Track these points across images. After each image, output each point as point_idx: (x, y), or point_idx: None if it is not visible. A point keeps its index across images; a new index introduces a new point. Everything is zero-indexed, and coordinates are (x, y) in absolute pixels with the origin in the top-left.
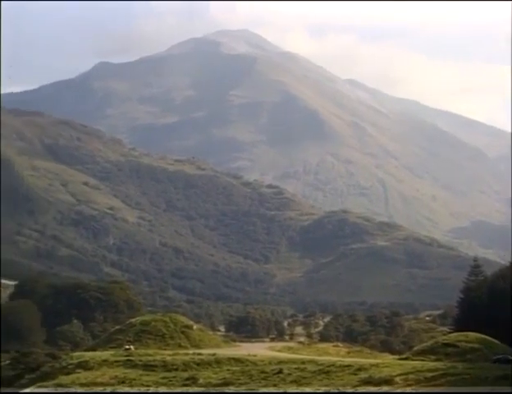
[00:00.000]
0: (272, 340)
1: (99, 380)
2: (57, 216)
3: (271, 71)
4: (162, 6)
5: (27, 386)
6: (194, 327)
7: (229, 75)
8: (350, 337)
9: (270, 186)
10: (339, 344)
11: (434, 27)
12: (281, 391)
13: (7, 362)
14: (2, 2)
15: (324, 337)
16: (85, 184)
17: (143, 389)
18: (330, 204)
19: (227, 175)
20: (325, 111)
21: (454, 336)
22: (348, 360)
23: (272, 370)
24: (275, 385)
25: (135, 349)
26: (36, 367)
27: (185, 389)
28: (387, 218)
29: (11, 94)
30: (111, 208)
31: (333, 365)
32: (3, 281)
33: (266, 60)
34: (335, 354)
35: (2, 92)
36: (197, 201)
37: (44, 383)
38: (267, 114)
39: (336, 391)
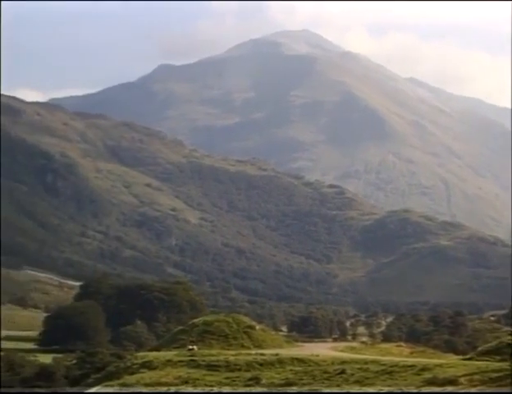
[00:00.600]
0: (335, 340)
1: (163, 380)
2: (120, 217)
3: (331, 70)
4: (220, 8)
5: (93, 385)
6: (257, 327)
7: (289, 75)
8: (413, 337)
9: (331, 186)
10: (402, 344)
11: (497, 25)
12: (344, 391)
13: (74, 362)
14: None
15: (387, 337)
16: (148, 185)
17: (207, 389)
18: (391, 204)
19: (288, 175)
20: (386, 110)
21: None
22: (411, 360)
23: (335, 370)
24: (338, 385)
25: (199, 349)
26: (102, 367)
27: (247, 389)
28: (450, 217)
29: (74, 97)
30: (173, 209)
31: (396, 365)
32: (69, 281)
33: (326, 60)
34: (398, 354)
35: (65, 95)
36: (258, 202)
37: (110, 383)
38: (328, 114)
39: (400, 391)
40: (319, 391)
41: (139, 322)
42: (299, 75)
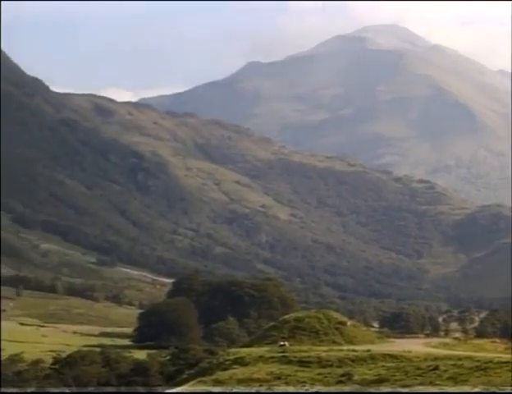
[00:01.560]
0: (427, 336)
1: (255, 376)
2: (210, 214)
3: (419, 64)
4: (305, 5)
5: (187, 381)
6: (348, 323)
7: (376, 70)
8: (508, 333)
9: (421, 181)
10: (496, 340)
11: None
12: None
13: (168, 358)
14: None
15: (480, 333)
16: (237, 182)
17: (298, 385)
18: (483, 198)
19: (377, 170)
20: (476, 103)
21: None
22: (506, 357)
23: (428, 366)
24: (431, 382)
25: (290, 345)
26: (195, 363)
27: (340, 386)
28: None
29: (163, 97)
30: (263, 206)
31: (491, 362)
32: (161, 279)
33: (414, 54)
34: (492, 350)
35: (155, 95)
36: (347, 197)
37: (203, 379)
38: (417, 109)
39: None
40: (412, 390)
41: (230, 318)
42: (386, 70)
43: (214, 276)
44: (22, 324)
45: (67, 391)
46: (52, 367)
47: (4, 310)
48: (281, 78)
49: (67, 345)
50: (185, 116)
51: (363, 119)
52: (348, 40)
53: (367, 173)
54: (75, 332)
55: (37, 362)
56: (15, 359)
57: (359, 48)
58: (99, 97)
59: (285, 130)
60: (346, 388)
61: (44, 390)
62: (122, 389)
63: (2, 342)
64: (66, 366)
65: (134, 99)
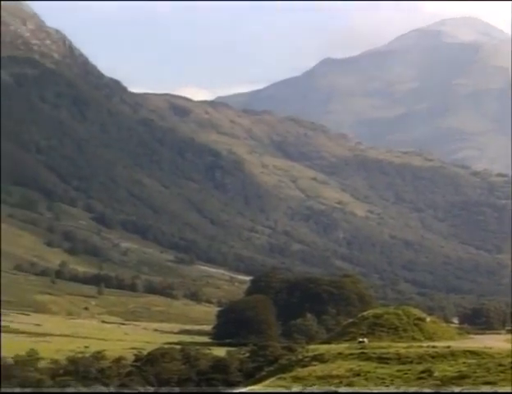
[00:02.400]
0: (509, 332)
1: (335, 373)
2: (287, 212)
3: (496, 57)
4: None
5: (266, 378)
6: (428, 319)
7: (453, 64)
8: None
9: (500, 175)
10: None
11: None
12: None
13: (247, 355)
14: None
15: None
16: (314, 179)
17: (378, 382)
18: None
19: (454, 165)
20: None
21: None
22: None
23: (510, 363)
24: None
25: (369, 342)
26: (274, 359)
27: (420, 382)
28: None
29: (239, 95)
30: (339, 203)
31: None
32: (239, 276)
33: (491, 46)
34: None
35: (231, 93)
36: (425, 193)
37: (283, 375)
38: (495, 102)
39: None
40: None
41: (308, 315)
42: (463, 63)
43: (292, 273)
44: (104, 322)
45: (150, 389)
46: (134, 364)
47: (87, 308)
48: (356, 74)
49: (148, 342)
50: (262, 113)
51: (439, 113)
52: (424, 34)
53: (444, 168)
54: (155, 330)
55: (119, 359)
56: (98, 356)
57: (435, 41)
58: (176, 96)
59: (361, 126)
60: (426, 385)
61: (125, 387)
62: (203, 386)
63: (86, 340)
64: (147, 363)
65: (210, 98)
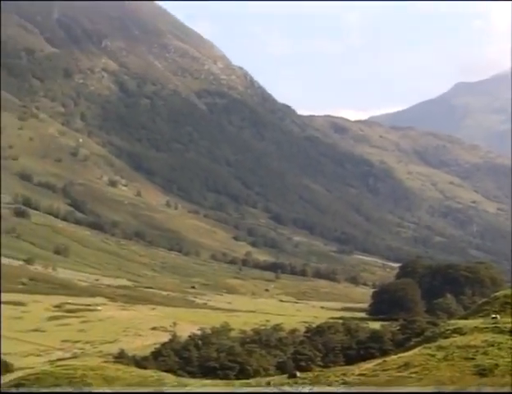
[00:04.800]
0: None
1: (472, 343)
2: (429, 210)
3: None
4: (501, 32)
5: (414, 347)
6: None
7: None
8: None
9: None
10: None
11: None
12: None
13: (397, 328)
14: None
15: None
16: (451, 183)
17: (509, 351)
18: None
19: None
20: None
21: None
22: None
23: None
24: None
25: (501, 318)
26: (420, 332)
27: None
28: None
29: (387, 114)
30: (473, 202)
31: None
32: (390, 263)
33: None
34: None
35: (381, 113)
36: None
37: (428, 345)
38: None
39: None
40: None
41: (448, 295)
42: None
43: (434, 260)
44: (281, 301)
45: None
46: (305, 335)
47: (267, 290)
48: (485, 94)
49: (316, 317)
50: (406, 129)
51: None
52: None
53: None
54: (321, 307)
55: (293, 331)
56: (276, 328)
57: None
58: (336, 117)
59: (491, 138)
60: None
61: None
62: (362, 353)
63: (267, 315)
64: (316, 334)
65: (364, 117)
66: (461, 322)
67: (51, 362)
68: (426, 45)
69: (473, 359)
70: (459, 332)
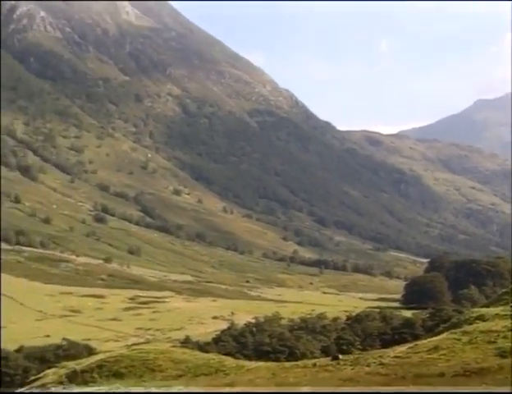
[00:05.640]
0: None
1: (494, 328)
2: (453, 211)
3: None
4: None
5: (442, 332)
6: None
7: None
8: None
9: None
10: None
11: None
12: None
13: (427, 315)
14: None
15: None
16: (472, 188)
17: None
18: None
19: None
20: None
21: None
22: None
23: None
24: None
25: None
26: (447, 319)
27: None
28: None
29: (415, 129)
30: (492, 204)
31: None
32: (419, 259)
33: None
34: None
35: (409, 127)
36: None
37: (454, 331)
38: None
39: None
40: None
41: (472, 286)
42: None
43: (458, 256)
44: (324, 293)
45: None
46: (346, 322)
47: (312, 283)
48: (503, 109)
49: (355, 307)
50: (432, 141)
51: None
52: None
53: None
54: (360, 298)
55: (336, 319)
56: (321, 316)
57: None
58: (370, 131)
59: (507, 148)
60: None
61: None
62: (395, 337)
63: (312, 305)
64: (355, 322)
65: (394, 131)
66: (483, 310)
67: (127, 346)
68: (449, 64)
69: (494, 342)
70: (481, 318)
